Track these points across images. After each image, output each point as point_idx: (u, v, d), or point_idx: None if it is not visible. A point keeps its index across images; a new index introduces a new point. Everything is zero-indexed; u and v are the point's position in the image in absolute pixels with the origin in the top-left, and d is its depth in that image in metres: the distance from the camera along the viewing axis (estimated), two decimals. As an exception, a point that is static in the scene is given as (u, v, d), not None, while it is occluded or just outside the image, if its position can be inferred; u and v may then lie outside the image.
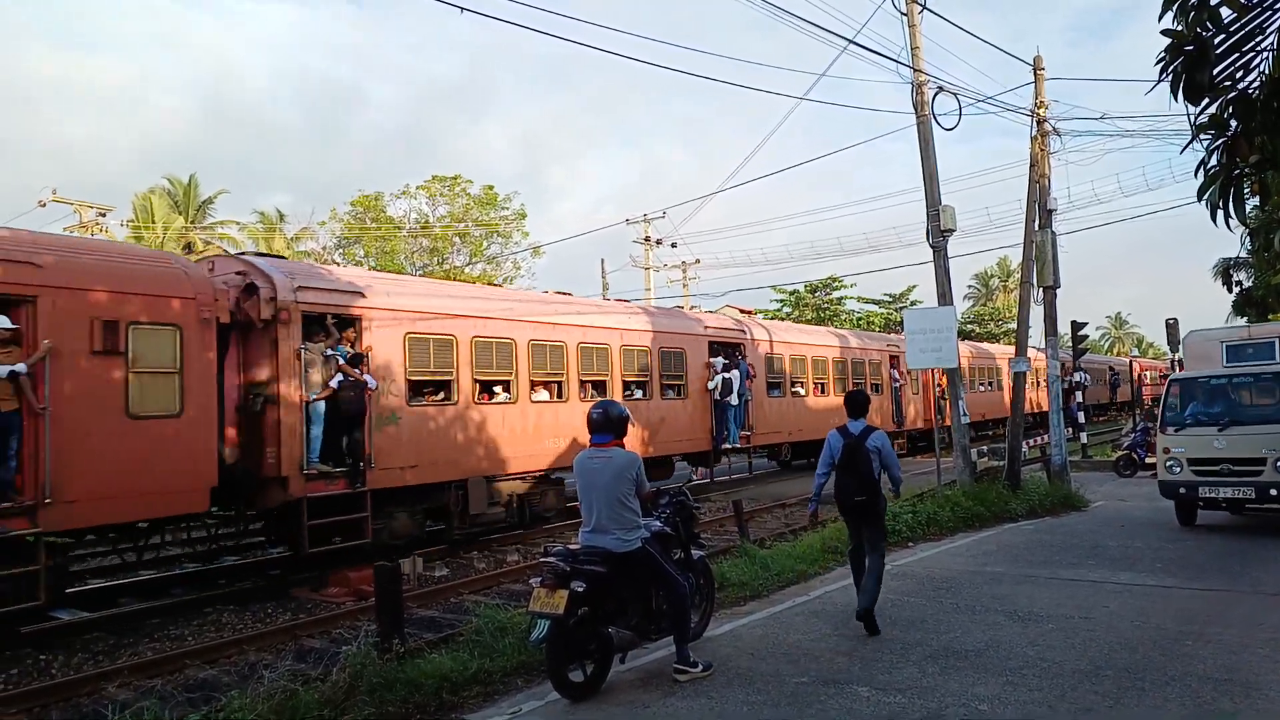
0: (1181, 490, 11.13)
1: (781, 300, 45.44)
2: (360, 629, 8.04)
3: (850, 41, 13.72)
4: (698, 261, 35.80)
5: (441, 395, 12.16)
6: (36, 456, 7.96)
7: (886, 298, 48.05)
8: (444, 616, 8.84)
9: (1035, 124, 15.54)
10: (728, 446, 17.65)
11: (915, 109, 14.02)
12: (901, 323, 14.25)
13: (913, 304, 46.47)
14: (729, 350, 18.26)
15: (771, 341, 19.91)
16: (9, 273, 7.92)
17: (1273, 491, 10.43)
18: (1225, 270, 27.21)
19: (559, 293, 15.97)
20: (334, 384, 10.38)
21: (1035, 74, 15.78)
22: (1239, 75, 2.84)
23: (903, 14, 13.82)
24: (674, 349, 16.66)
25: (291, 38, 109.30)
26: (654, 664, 6.19)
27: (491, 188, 34.48)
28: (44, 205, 25.13)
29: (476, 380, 12.56)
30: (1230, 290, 26.84)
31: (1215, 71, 2.75)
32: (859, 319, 45.64)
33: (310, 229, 33.60)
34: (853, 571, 7.37)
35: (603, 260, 46.48)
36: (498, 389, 13.05)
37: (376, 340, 11.16)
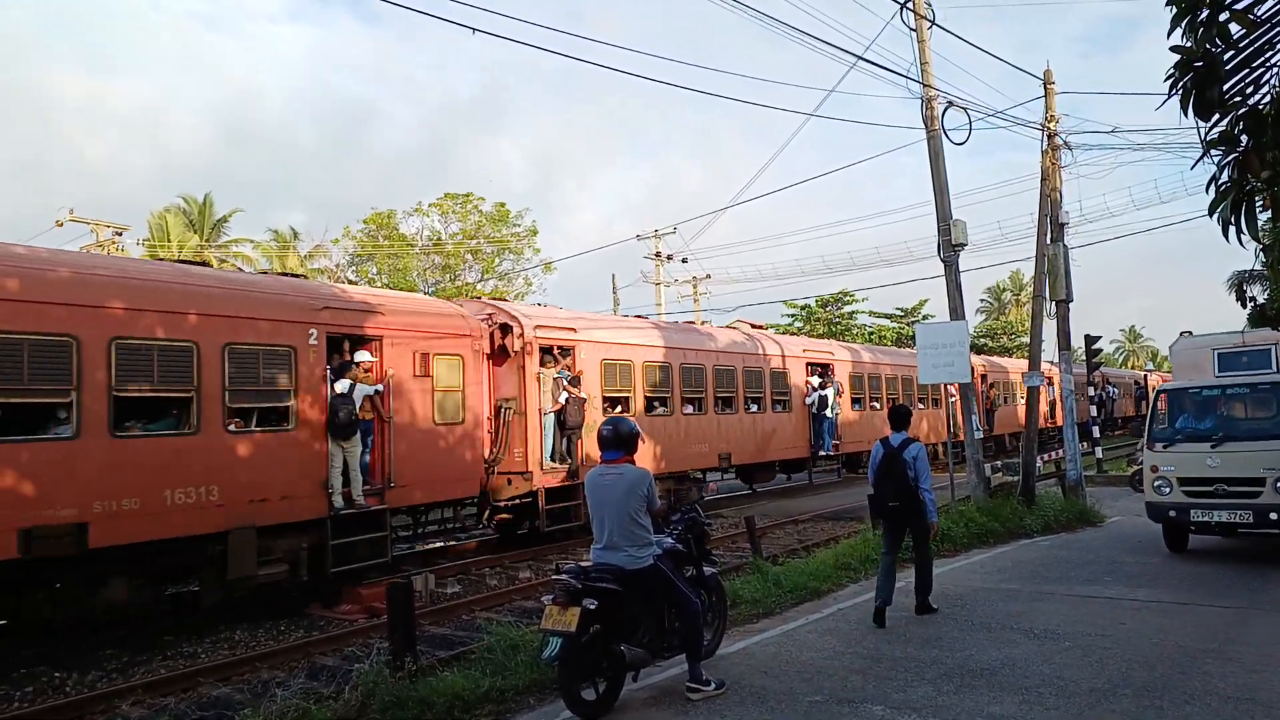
0: (1171, 513, 10.13)
1: (793, 315, 45.41)
2: (373, 646, 8.05)
3: (859, 58, 13.78)
4: (708, 276, 35.81)
5: (620, 409, 14.87)
6: (384, 453, 10.97)
7: (898, 312, 47.94)
8: (456, 634, 8.83)
9: (1046, 138, 15.54)
10: (823, 454, 20.80)
11: (925, 124, 14.04)
12: (914, 337, 14.35)
13: (924, 318, 46.34)
14: (822, 369, 21.36)
15: (852, 362, 23.20)
16: (367, 321, 10.90)
17: (1273, 515, 9.41)
18: (1239, 284, 26.97)
19: (688, 323, 20.53)
20: (562, 399, 13.51)
21: (1045, 88, 15.79)
22: (1249, 91, 2.84)
23: (912, 30, 13.87)
24: (780, 370, 19.78)
25: (309, 58, 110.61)
26: (667, 682, 6.16)
27: (503, 204, 34.69)
28: (61, 225, 25.43)
29: (646, 396, 15.65)
30: (1244, 305, 26.59)
31: (1225, 87, 2.75)
32: (870, 333, 45.53)
33: (324, 247, 33.85)
34: (880, 573, 7.74)
35: (614, 276, 46.64)
36: (657, 404, 16.02)
37: (583, 366, 14.33)
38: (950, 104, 14.04)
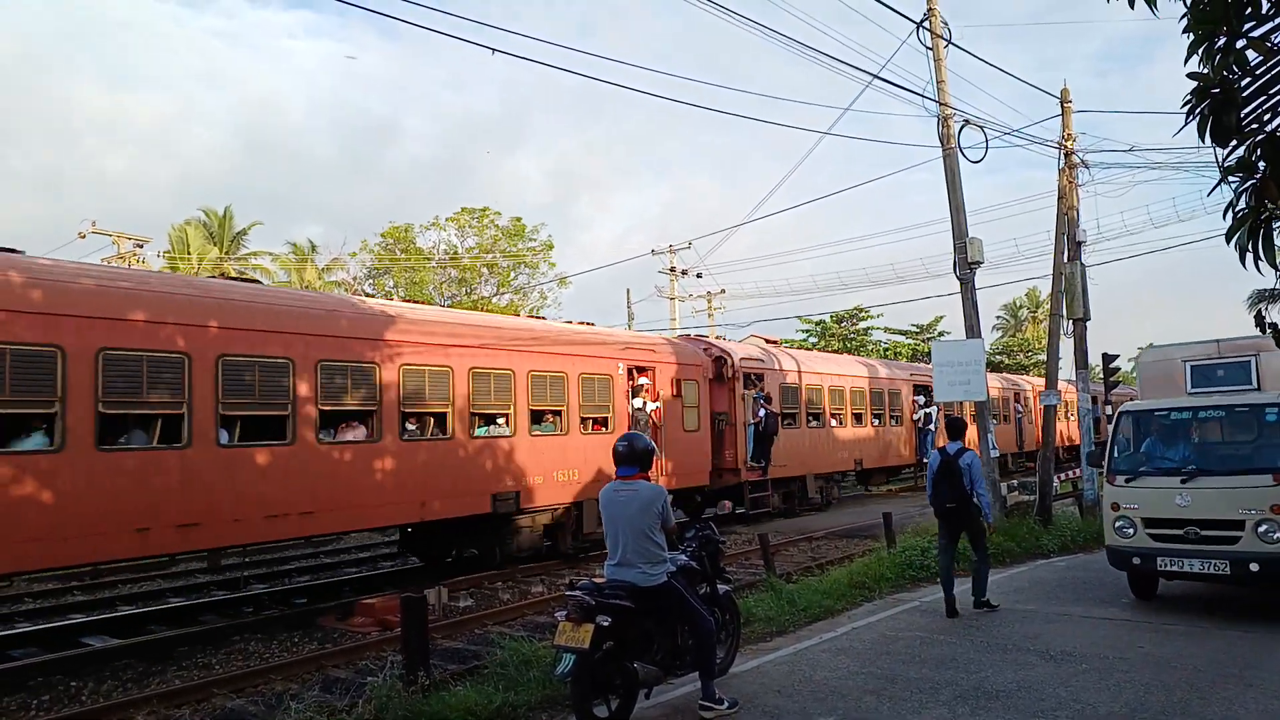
0: (1135, 560, 8.58)
1: (807, 330, 45.33)
2: (386, 660, 8.06)
3: (875, 76, 13.82)
4: (723, 291, 35.85)
5: (787, 423, 19.11)
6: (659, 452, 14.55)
7: (914, 328, 47.77)
8: (469, 648, 8.83)
9: (1063, 157, 15.51)
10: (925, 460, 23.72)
11: (941, 142, 14.05)
12: (929, 354, 14.58)
13: (940, 334, 46.17)
14: (926, 390, 23.88)
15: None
16: (646, 357, 15.57)
17: (1253, 566, 7.88)
18: (1258, 304, 26.69)
19: (836, 352, 25.20)
20: (761, 414, 17.78)
21: (1063, 107, 15.77)
22: (1266, 118, 2.84)
23: (928, 48, 13.90)
24: (895, 390, 24.34)
25: (329, 73, 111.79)
26: (679, 699, 6.14)
27: (519, 219, 34.89)
28: (84, 237, 25.77)
29: (807, 412, 20.17)
30: (1263, 331, 26.26)
31: (1242, 114, 2.76)
32: (885, 349, 45.38)
33: (341, 259, 34.11)
34: (941, 571, 8.94)
35: (628, 290, 46.64)
36: (812, 419, 20.41)
37: (769, 388, 18.69)
38: (967, 122, 14.05)
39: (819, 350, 39.18)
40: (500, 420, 12.61)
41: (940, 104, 13.82)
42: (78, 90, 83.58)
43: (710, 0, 10.36)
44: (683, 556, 6.13)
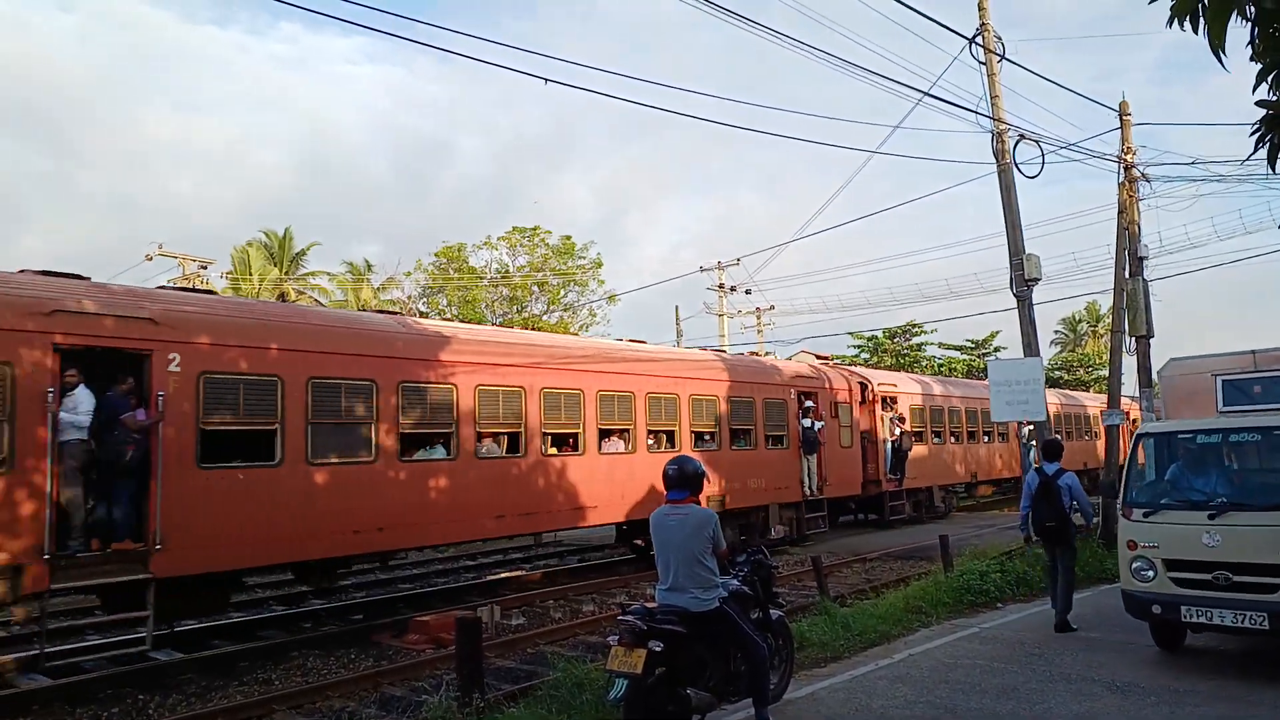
0: (1156, 609, 7.36)
1: (859, 346, 44.82)
2: (440, 678, 8.16)
3: (925, 94, 13.68)
4: (772, 308, 35.66)
5: (917, 439, 21.65)
6: (822, 464, 18.13)
7: (969, 344, 46.91)
8: (521, 667, 8.88)
9: (1123, 170, 15.14)
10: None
11: (996, 158, 13.84)
12: (985, 370, 14.44)
13: (996, 350, 45.25)
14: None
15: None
16: (810, 384, 18.64)
17: None
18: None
19: (889, 368, 27.19)
20: (896, 433, 20.69)
21: (1121, 119, 15.42)
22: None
23: (981, 63, 13.73)
24: (1078, 412, 30.17)
25: (385, 96, 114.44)
26: (732, 726, 6.09)
27: (569, 237, 35.19)
28: (151, 259, 26.71)
29: (932, 430, 22.99)
30: None
31: (1313, 141, 2.69)
32: (940, 365, 44.62)
33: (396, 279, 34.78)
34: (1049, 585, 9.37)
35: (677, 308, 46.73)
36: (934, 436, 23.08)
37: (902, 409, 21.53)
38: (1022, 137, 13.83)
39: (872, 367, 38.74)
40: (708, 437, 15.74)
41: (994, 120, 13.63)
42: (148, 116, 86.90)
43: (758, 23, 10.38)
44: (735, 581, 6.10)
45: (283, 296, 31.81)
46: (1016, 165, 13.79)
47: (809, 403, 18.00)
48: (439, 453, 11.40)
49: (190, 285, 21.39)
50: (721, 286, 33.39)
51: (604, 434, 13.69)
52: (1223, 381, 8.73)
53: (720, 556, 5.75)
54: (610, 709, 5.90)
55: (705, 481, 5.95)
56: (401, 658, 9.47)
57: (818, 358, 24.62)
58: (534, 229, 34.75)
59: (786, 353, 30.09)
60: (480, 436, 11.96)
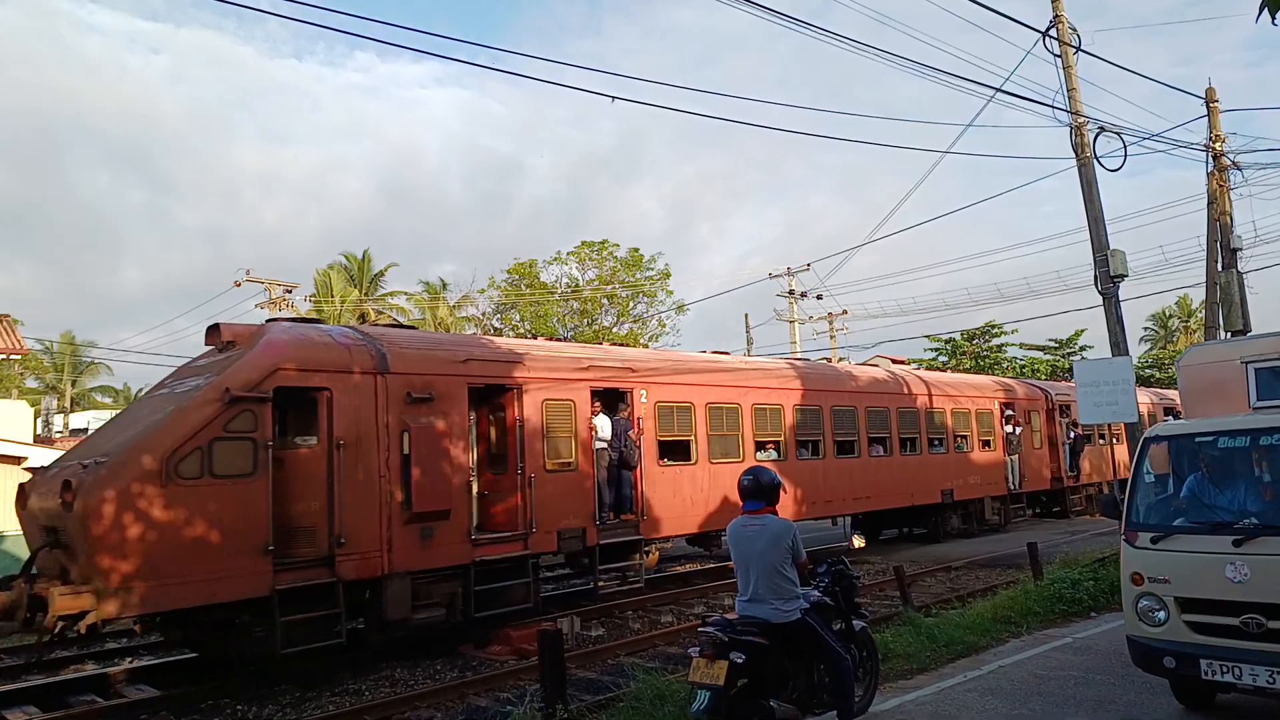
0: (1169, 662, 5.85)
1: (936, 349, 43.82)
2: (524, 689, 8.27)
3: (998, 89, 13.36)
4: (845, 312, 35.19)
5: (1087, 442, 24.05)
6: (1019, 464, 21.34)
7: (1052, 343, 45.39)
8: (603, 678, 8.93)
9: (1211, 159, 14.52)
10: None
11: (1075, 151, 13.42)
12: (1070, 371, 14.04)
13: (1081, 349, 43.69)
14: (1168, 409, 26.45)
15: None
16: (1011, 397, 21.66)
17: None
18: None
19: (968, 371, 28.64)
20: (1071, 436, 23.26)
21: (1208, 107, 14.80)
22: None
23: (1056, 56, 13.35)
24: (1150, 410, 28.37)
25: (458, 119, 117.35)
26: (817, 739, 6.01)
27: (637, 250, 35.40)
28: (239, 285, 27.91)
29: (1097, 433, 24.11)
30: None
31: None
32: (1021, 367, 43.30)
33: (471, 296, 35.49)
34: None
35: (746, 315, 46.52)
36: (1087, 441, 24.19)
37: (1075, 416, 21.45)
38: (1102, 129, 13.38)
39: (950, 370, 37.86)
40: (937, 442, 19.02)
41: (1072, 113, 13.23)
42: (237, 149, 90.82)
43: (827, 30, 10.31)
44: (815, 592, 6.04)
45: (363, 317, 32.76)
46: (1097, 159, 13.36)
47: (1009, 411, 21.19)
48: (770, 454, 15.12)
49: (279, 309, 22.17)
50: (792, 293, 33.10)
51: (801, 444, 15.93)
52: (1257, 370, 7.23)
53: (800, 568, 5.70)
54: (693, 720, 5.89)
55: (781, 492, 5.91)
56: (485, 668, 9.63)
57: (893, 362, 24.16)
58: (602, 243, 35.08)
59: (860, 358, 29.64)
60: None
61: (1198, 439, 6.41)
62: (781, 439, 15.17)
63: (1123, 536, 6.27)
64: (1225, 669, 5.53)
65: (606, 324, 35.02)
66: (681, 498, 13.24)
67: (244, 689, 8.98)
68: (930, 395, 19.28)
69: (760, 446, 14.87)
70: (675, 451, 13.58)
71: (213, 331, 10.01)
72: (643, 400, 12.95)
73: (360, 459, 9.50)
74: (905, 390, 18.59)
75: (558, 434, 11.65)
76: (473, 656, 10.34)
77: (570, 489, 11.73)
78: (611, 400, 12.80)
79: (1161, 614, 5.91)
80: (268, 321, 10.70)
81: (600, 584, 12.72)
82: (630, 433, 12.54)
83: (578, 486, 11.80)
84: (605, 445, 12.30)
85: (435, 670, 9.78)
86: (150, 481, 7.99)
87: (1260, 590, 5.40)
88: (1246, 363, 7.39)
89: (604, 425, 12.32)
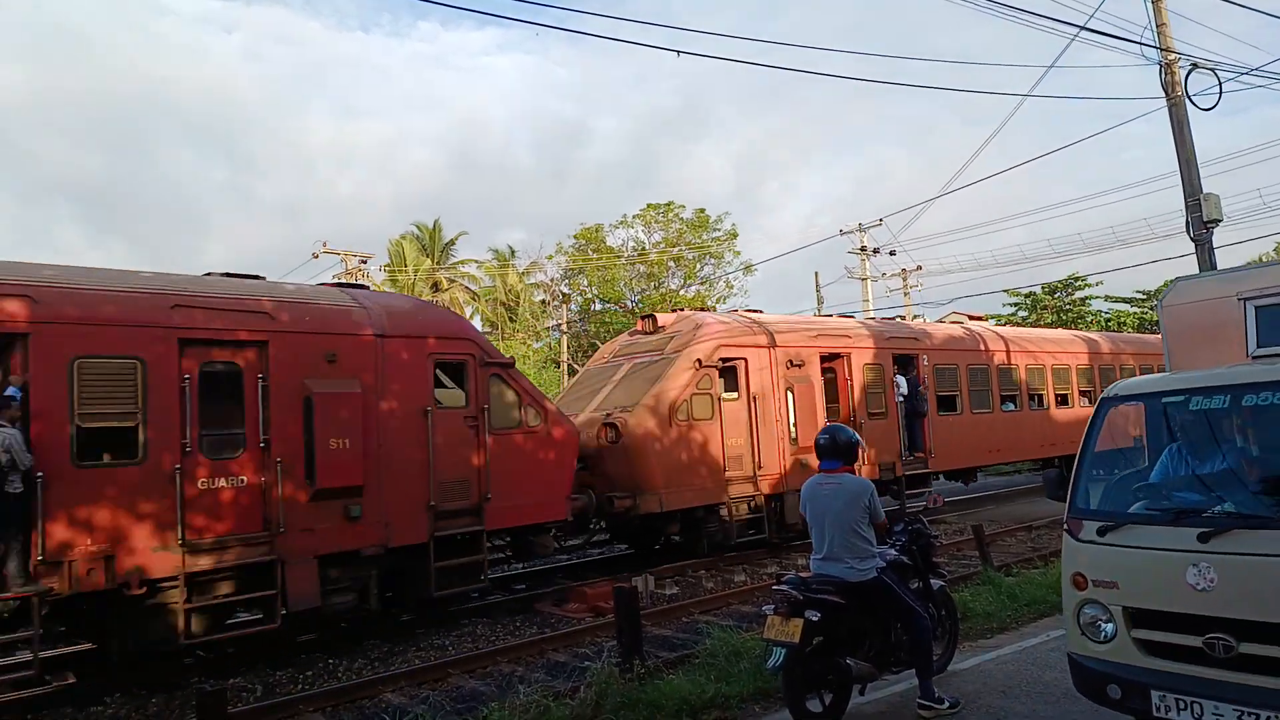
0: (1112, 690, 4.46)
1: (1016, 304, 42.50)
2: (600, 645, 8.44)
3: (1081, 27, 12.71)
4: (919, 268, 34.30)
5: None
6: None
7: (1140, 295, 43.55)
8: (677, 636, 9.04)
9: (1319, 92, 13.58)
10: None
11: (1166, 91, 12.71)
12: (1157, 323, 13.43)
13: (1171, 301, 41.77)
14: None
15: None
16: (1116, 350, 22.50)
17: None
18: None
19: (1050, 325, 29.64)
20: None
21: (1316, 35, 13.80)
22: None
23: (1145, -11, 12.62)
24: None
25: (523, 84, 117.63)
26: (895, 697, 6.00)
27: (703, 210, 35.15)
28: (317, 256, 28.70)
29: None
30: None
31: None
32: (1107, 320, 41.70)
33: (539, 262, 35.80)
34: None
35: (816, 274, 45.64)
36: None
37: None
38: (1195, 66, 12.62)
39: (1031, 325, 36.74)
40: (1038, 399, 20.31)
41: (1162, 50, 12.51)
42: (311, 124, 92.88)
43: (895, -30, 9.93)
44: (892, 551, 5.98)
45: (436, 286, 33.38)
46: (1189, 97, 12.63)
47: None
48: (1009, 407, 18.00)
49: (354, 279, 22.78)
50: (864, 249, 32.41)
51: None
52: (1258, 308, 5.89)
53: (878, 527, 5.64)
54: (769, 677, 5.94)
55: (860, 450, 5.84)
56: (563, 625, 9.84)
57: (970, 318, 23.55)
58: (668, 205, 34.93)
59: (935, 315, 28.99)
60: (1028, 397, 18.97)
61: (1165, 400, 5.01)
62: (1017, 393, 18.56)
63: (1064, 526, 4.93)
64: (1183, 704, 4.15)
65: (674, 286, 34.96)
66: (953, 440, 16.66)
67: (334, 643, 9.38)
68: (1039, 352, 19.91)
69: (1004, 400, 18.20)
70: (945, 404, 16.96)
71: (647, 319, 14.59)
72: (924, 363, 16.47)
73: (764, 408, 13.35)
74: (1013, 349, 19.32)
75: (873, 389, 15.17)
76: (550, 614, 10.57)
77: (884, 432, 15.17)
78: (904, 362, 16.31)
79: (1108, 627, 4.52)
80: (693, 311, 15.19)
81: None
82: (920, 388, 15.87)
83: (889, 429, 15.31)
84: (902, 399, 15.61)
85: (515, 627, 10.05)
86: (663, 423, 12.08)
87: (1230, 602, 4.07)
88: (1245, 300, 5.99)
89: (901, 383, 15.70)
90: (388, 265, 34.16)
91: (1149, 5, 12.69)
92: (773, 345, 13.71)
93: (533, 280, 35.58)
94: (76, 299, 7.65)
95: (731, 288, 35.77)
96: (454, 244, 38.60)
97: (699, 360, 12.57)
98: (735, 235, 35.19)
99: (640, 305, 33.55)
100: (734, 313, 15.74)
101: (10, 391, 7.25)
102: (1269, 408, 4.43)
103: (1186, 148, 12.77)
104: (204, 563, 8.05)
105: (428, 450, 9.51)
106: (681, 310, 15.43)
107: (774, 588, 5.56)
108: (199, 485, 8.06)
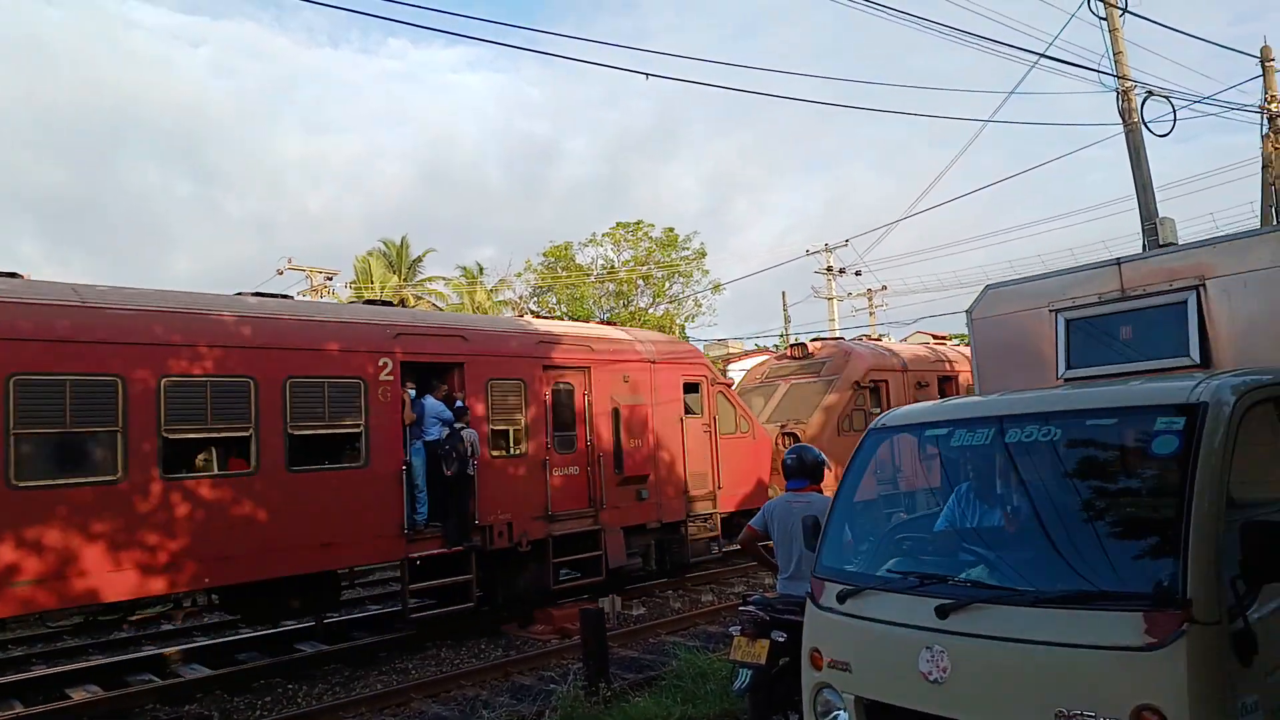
0: None
1: (978, 325, 43.19)
2: (567, 668, 8.34)
3: (1041, 55, 13.01)
4: (884, 288, 34.70)
5: None
6: None
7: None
8: (644, 657, 8.98)
9: (1266, 121, 14.04)
10: None
11: (1122, 117, 13.03)
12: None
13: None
14: None
15: None
16: None
17: None
18: None
19: None
20: None
21: (1263, 66, 14.29)
22: None
23: (1101, 19, 12.96)
24: None
25: (493, 102, 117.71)
26: (860, 717, 5.98)
27: (672, 229, 35.29)
28: (282, 273, 28.32)
29: None
30: None
31: None
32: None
33: (508, 280, 35.69)
34: None
35: (784, 294, 46.05)
36: None
37: None
38: (1150, 94, 12.97)
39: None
40: None
41: (1119, 77, 12.85)
42: (281, 138, 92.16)
43: (868, 0, 10.10)
44: (858, 570, 5.98)
45: (402, 302, 33.10)
46: (1145, 124, 12.96)
47: None
48: None
49: (319, 296, 22.53)
50: (830, 269, 32.73)
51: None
52: (1069, 321, 5.21)
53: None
54: (735, 699, 5.91)
55: (826, 470, 5.85)
56: (529, 648, 9.74)
57: (934, 338, 23.85)
58: (637, 224, 35.04)
59: (901, 334, 29.36)
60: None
61: (929, 432, 4.26)
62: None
63: (811, 592, 4.04)
64: None
65: (642, 305, 35.03)
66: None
67: (294, 667, 9.18)
68: None
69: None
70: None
71: (797, 346, 17.00)
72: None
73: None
74: None
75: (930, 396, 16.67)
76: (516, 635, 10.45)
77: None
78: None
79: (842, 717, 3.71)
80: (841, 340, 17.57)
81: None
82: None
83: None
84: None
85: (480, 649, 9.91)
86: (832, 431, 14.25)
87: (958, 699, 3.22)
88: (1055, 311, 5.30)
89: None
90: (353, 282, 33.87)
91: (1106, 34, 13.03)
92: (905, 370, 16.35)
93: (501, 298, 35.43)
94: (490, 339, 10.79)
95: (700, 306, 35.94)
96: (421, 261, 38.35)
97: (856, 382, 15.28)
98: (704, 254, 35.39)
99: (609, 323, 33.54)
100: (864, 339, 18.58)
101: (459, 404, 10.00)
102: (1033, 444, 3.62)
103: (1143, 172, 13.09)
104: (557, 529, 10.81)
105: (682, 449, 12.41)
106: (828, 339, 18.12)
107: (740, 608, 5.53)
108: (554, 473, 10.87)
